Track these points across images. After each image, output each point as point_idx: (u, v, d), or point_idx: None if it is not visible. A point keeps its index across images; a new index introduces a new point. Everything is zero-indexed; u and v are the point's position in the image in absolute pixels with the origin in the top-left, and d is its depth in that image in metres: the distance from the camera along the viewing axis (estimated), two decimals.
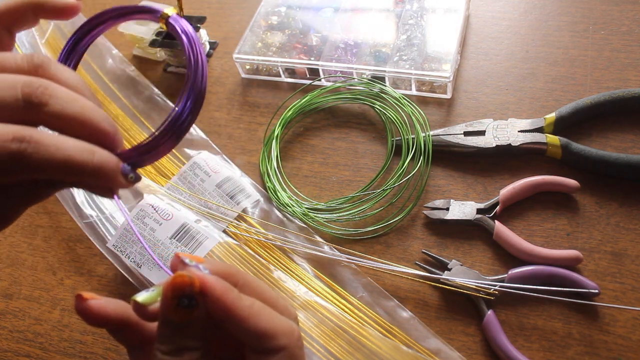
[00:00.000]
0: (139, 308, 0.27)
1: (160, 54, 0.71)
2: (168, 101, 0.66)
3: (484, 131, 0.54)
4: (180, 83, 0.69)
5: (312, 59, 0.63)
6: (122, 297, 0.31)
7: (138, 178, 0.29)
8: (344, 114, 0.62)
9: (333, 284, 0.49)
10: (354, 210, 0.53)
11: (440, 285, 0.47)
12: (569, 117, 0.53)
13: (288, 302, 0.47)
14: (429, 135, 0.55)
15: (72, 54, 0.34)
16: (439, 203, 0.52)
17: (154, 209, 0.52)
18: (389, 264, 0.49)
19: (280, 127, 0.60)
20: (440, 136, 0.55)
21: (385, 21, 0.66)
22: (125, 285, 0.53)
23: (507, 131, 0.54)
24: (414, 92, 0.61)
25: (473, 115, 0.58)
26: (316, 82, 0.64)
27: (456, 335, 0.46)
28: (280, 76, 0.66)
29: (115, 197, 0.29)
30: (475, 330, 0.46)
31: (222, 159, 0.60)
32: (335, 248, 0.51)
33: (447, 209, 0.51)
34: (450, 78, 0.57)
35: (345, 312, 0.47)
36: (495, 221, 0.49)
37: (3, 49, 0.35)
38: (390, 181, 0.54)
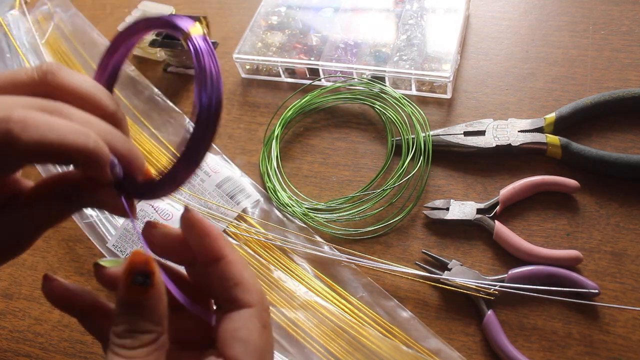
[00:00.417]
0: (97, 269, 0.28)
1: (160, 54, 0.71)
2: (168, 101, 0.66)
3: (484, 131, 0.54)
4: (181, 83, 0.69)
5: (312, 59, 0.63)
6: None
7: (119, 176, 0.28)
8: (344, 114, 0.62)
9: (333, 284, 0.49)
10: (354, 210, 0.53)
11: (440, 285, 0.47)
12: (569, 117, 0.53)
13: (288, 302, 0.48)
14: (429, 135, 0.55)
15: (106, 70, 0.32)
16: (439, 203, 0.52)
17: (154, 209, 0.52)
18: (389, 264, 0.49)
19: (280, 127, 0.60)
20: (440, 136, 0.55)
21: (385, 21, 0.66)
22: None
23: (507, 131, 0.54)
24: (414, 92, 0.61)
25: (473, 115, 0.58)
26: (316, 82, 0.64)
27: (456, 335, 0.46)
28: (280, 76, 0.66)
29: (131, 218, 0.29)
30: (475, 330, 0.46)
31: (222, 159, 0.60)
32: (335, 248, 0.51)
33: (447, 209, 0.51)
34: (450, 78, 0.57)
35: (345, 312, 0.47)
36: (495, 221, 0.49)
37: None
38: (390, 181, 0.54)
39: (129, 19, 0.70)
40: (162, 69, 0.71)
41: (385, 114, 0.59)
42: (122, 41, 0.31)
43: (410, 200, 0.53)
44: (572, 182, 0.49)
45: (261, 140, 0.61)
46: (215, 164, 0.57)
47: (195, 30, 0.29)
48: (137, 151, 0.28)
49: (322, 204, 0.55)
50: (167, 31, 0.30)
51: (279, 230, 0.53)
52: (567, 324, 0.44)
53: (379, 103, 0.59)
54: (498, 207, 0.50)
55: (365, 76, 0.61)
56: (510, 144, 0.53)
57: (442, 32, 0.62)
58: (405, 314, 0.47)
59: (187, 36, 0.28)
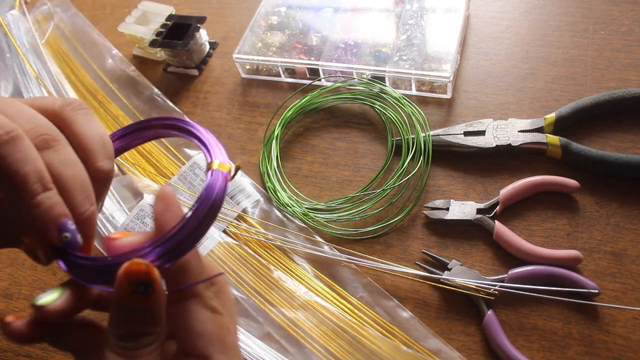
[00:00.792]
0: (38, 309, 0.27)
1: (160, 54, 0.71)
2: (168, 101, 0.66)
3: (484, 131, 0.54)
4: (181, 83, 0.69)
5: (312, 59, 0.63)
6: None
7: (74, 242, 0.27)
8: (344, 114, 0.62)
9: (333, 284, 0.49)
10: (354, 210, 0.53)
11: (440, 285, 0.47)
12: (569, 117, 0.53)
13: (288, 302, 0.48)
14: (429, 135, 0.55)
15: (123, 139, 0.32)
16: (439, 203, 0.52)
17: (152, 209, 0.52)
18: (389, 264, 0.49)
19: (280, 127, 0.60)
20: (440, 136, 0.55)
21: (385, 21, 0.66)
22: None
23: (507, 131, 0.54)
24: (414, 92, 0.61)
25: (473, 115, 0.58)
26: (316, 82, 0.64)
27: (456, 335, 0.46)
28: (280, 76, 0.66)
29: (61, 262, 0.27)
30: (475, 330, 0.46)
31: None
32: (335, 248, 0.51)
33: (447, 209, 0.51)
34: (450, 78, 0.57)
35: (345, 312, 0.47)
36: (495, 221, 0.49)
37: None
38: (390, 181, 0.54)
39: (129, 19, 0.70)
40: (162, 69, 0.71)
41: (385, 114, 0.59)
42: (155, 126, 0.31)
43: (410, 200, 0.53)
44: (572, 182, 0.49)
45: (261, 140, 0.61)
46: None
47: (224, 167, 0.28)
48: (93, 222, 0.28)
49: (322, 204, 0.55)
50: (200, 149, 0.30)
51: (279, 230, 0.53)
52: (567, 324, 0.44)
53: (379, 103, 0.59)
54: (498, 207, 0.50)
55: (365, 76, 0.61)
56: (510, 144, 0.53)
57: (442, 32, 0.62)
58: (405, 314, 0.47)
59: (211, 166, 0.28)
